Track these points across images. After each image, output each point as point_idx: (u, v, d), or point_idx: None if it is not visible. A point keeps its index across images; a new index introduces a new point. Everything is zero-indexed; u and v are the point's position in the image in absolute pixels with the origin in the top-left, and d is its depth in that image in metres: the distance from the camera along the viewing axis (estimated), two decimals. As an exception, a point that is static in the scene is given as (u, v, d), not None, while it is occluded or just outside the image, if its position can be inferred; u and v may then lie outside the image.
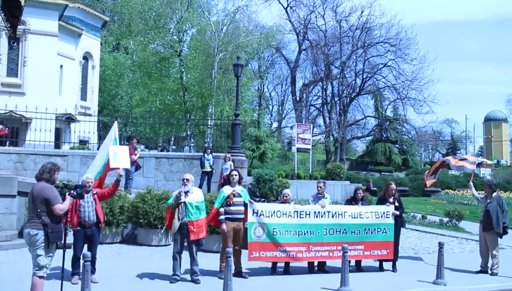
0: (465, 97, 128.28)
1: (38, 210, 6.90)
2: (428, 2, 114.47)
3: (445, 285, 10.03)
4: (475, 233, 17.02)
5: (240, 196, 10.15)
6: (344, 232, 10.82)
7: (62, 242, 7.19)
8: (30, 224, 6.97)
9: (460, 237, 16.79)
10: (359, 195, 11.64)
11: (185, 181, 9.69)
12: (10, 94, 27.48)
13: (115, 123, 10.33)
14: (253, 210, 10.25)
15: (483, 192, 12.07)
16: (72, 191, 7.25)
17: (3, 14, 15.73)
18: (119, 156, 9.58)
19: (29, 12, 25.44)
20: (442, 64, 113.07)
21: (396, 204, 11.56)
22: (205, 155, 19.18)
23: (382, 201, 11.77)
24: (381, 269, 11.38)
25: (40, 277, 6.96)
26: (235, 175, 10.31)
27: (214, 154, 19.70)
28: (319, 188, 11.43)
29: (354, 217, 10.99)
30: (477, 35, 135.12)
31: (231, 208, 10.04)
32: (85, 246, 9.16)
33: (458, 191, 34.52)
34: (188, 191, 9.57)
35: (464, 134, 71.93)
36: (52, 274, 9.26)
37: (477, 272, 11.46)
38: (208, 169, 19.04)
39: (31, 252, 7.05)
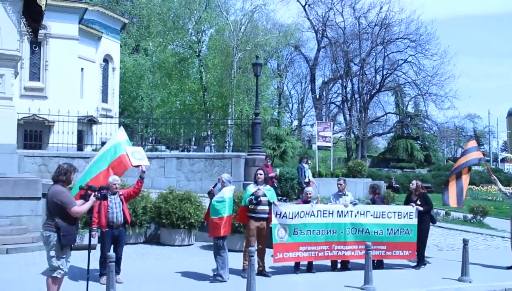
0: (488, 92, 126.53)
1: (52, 212, 6.98)
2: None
3: (470, 282, 9.92)
4: (500, 229, 16.81)
5: (265, 195, 10.15)
6: (367, 232, 10.74)
7: (75, 243, 7.22)
8: (45, 225, 7.08)
9: (485, 234, 16.56)
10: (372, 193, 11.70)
11: (218, 180, 9.97)
12: (32, 98, 27.80)
13: (121, 128, 10.59)
14: (276, 212, 10.23)
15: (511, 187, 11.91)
16: (96, 192, 7.29)
17: (24, 20, 16.00)
18: (137, 155, 9.83)
19: (49, 17, 25.63)
20: (463, 59, 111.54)
21: (418, 202, 11.42)
22: (302, 164, 17.23)
23: (408, 199, 11.75)
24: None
25: (54, 278, 7.03)
26: (260, 174, 10.32)
27: (234, 153, 19.32)
28: (339, 186, 11.42)
29: (376, 217, 10.92)
30: (499, 29, 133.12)
31: (256, 207, 10.06)
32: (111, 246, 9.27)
33: (482, 186, 34.04)
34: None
35: (487, 130, 70.83)
36: (79, 275, 9.40)
37: (508, 268, 11.26)
38: (306, 180, 17.63)
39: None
